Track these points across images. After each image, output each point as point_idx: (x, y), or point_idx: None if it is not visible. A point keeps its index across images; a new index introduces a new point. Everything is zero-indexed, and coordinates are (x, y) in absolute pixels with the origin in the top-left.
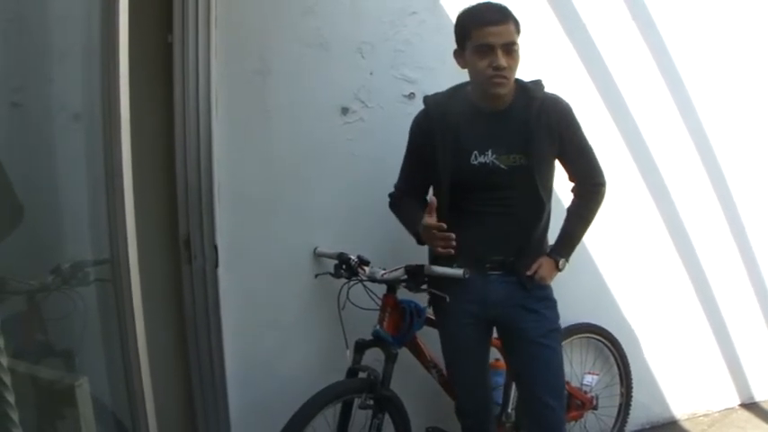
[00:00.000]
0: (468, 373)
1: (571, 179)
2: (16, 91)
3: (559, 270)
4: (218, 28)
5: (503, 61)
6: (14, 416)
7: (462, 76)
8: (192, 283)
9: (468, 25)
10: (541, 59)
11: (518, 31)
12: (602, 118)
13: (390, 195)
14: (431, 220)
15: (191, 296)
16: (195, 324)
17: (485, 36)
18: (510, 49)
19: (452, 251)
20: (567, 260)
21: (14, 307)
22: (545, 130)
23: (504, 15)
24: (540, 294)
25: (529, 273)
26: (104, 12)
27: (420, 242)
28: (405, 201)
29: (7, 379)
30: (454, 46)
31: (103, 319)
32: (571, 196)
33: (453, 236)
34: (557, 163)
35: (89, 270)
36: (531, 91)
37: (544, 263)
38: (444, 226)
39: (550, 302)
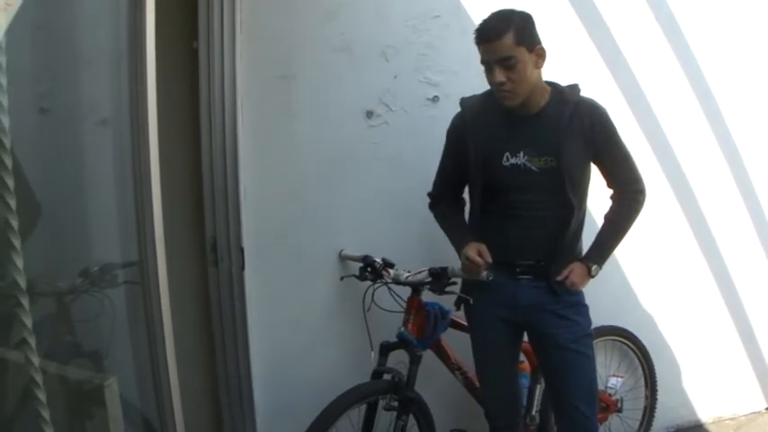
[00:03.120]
0: (498, 375)
1: (609, 185)
2: (45, 96)
3: (592, 276)
4: (242, 34)
5: (498, 77)
6: (46, 414)
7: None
8: (218, 285)
9: (475, 41)
10: (565, 63)
11: (522, 41)
12: (629, 122)
13: (430, 195)
14: (475, 257)
15: (217, 298)
16: (222, 325)
17: (482, 53)
18: (507, 64)
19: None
20: (600, 266)
21: (45, 308)
22: (578, 133)
23: (496, 32)
24: (571, 300)
25: (559, 278)
26: (131, 19)
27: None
28: (446, 206)
29: (39, 378)
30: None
31: (132, 321)
32: (609, 203)
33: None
34: (594, 169)
35: (117, 272)
36: (565, 95)
37: (576, 268)
38: (488, 263)
39: (582, 308)
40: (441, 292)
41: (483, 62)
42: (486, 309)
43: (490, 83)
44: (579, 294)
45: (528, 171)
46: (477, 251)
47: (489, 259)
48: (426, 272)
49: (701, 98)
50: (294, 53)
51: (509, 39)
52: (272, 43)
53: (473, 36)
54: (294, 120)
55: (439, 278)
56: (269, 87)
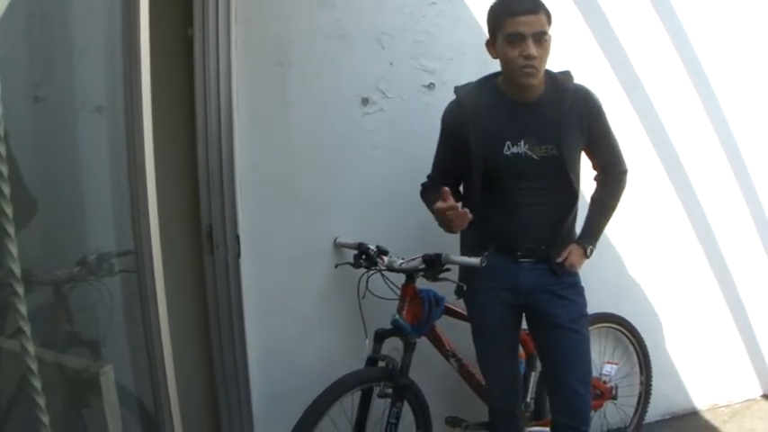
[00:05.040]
0: (499, 359)
1: (595, 168)
2: (39, 85)
3: (587, 257)
4: (238, 21)
5: (533, 50)
6: (41, 401)
7: (482, 66)
8: (214, 274)
9: (500, 14)
10: (562, 50)
11: (549, 22)
12: (624, 107)
13: (423, 185)
14: (442, 204)
15: (213, 286)
16: (218, 313)
17: (516, 25)
18: (541, 39)
19: (467, 223)
20: (594, 246)
21: (42, 297)
22: (576, 121)
23: (536, 5)
24: (569, 281)
25: (559, 260)
26: (126, 6)
27: (449, 230)
28: (433, 189)
29: (34, 366)
30: (473, 36)
31: (128, 309)
32: (593, 185)
33: (467, 210)
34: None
35: (114, 261)
36: (561, 82)
37: (573, 250)
38: (456, 205)
39: (579, 289)
40: (434, 278)
41: (513, 35)
42: (487, 293)
43: (514, 58)
44: (576, 276)
45: (529, 159)
46: (442, 197)
47: (452, 200)
48: (420, 258)
49: (698, 85)
50: (290, 40)
51: (544, 15)
52: (267, 30)
53: (504, 10)
54: (290, 107)
55: (433, 265)
56: (264, 75)
